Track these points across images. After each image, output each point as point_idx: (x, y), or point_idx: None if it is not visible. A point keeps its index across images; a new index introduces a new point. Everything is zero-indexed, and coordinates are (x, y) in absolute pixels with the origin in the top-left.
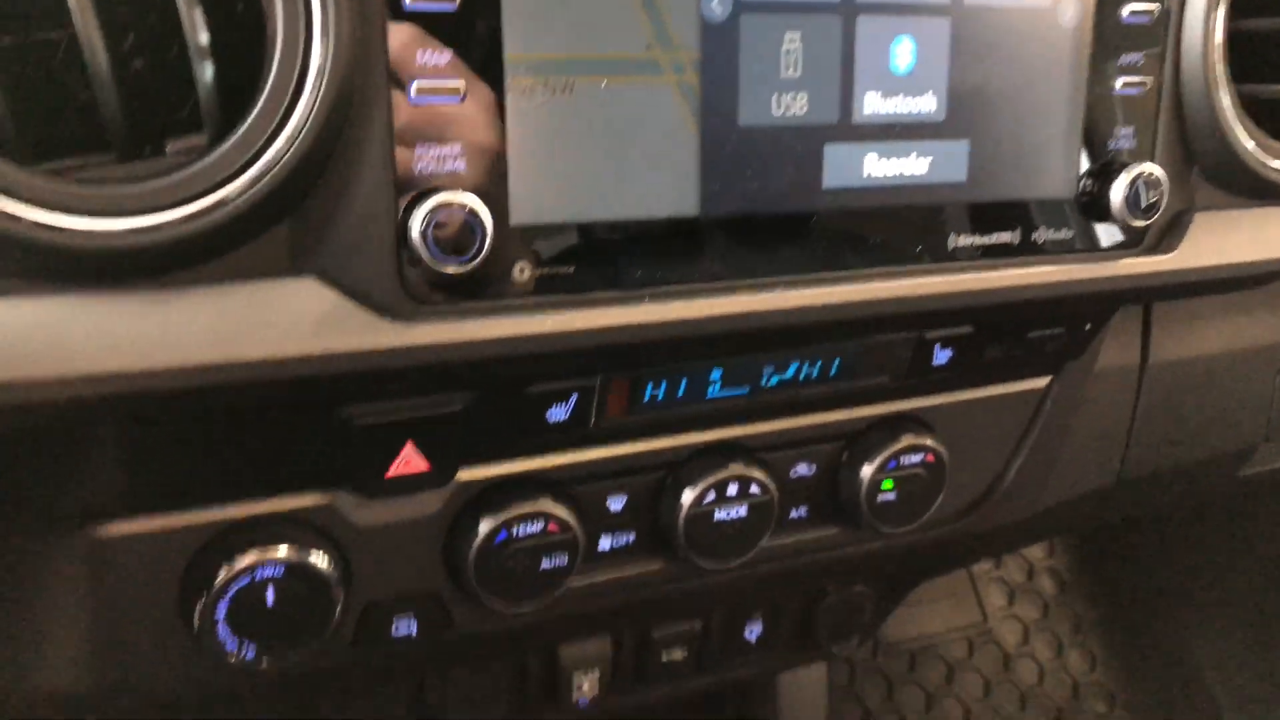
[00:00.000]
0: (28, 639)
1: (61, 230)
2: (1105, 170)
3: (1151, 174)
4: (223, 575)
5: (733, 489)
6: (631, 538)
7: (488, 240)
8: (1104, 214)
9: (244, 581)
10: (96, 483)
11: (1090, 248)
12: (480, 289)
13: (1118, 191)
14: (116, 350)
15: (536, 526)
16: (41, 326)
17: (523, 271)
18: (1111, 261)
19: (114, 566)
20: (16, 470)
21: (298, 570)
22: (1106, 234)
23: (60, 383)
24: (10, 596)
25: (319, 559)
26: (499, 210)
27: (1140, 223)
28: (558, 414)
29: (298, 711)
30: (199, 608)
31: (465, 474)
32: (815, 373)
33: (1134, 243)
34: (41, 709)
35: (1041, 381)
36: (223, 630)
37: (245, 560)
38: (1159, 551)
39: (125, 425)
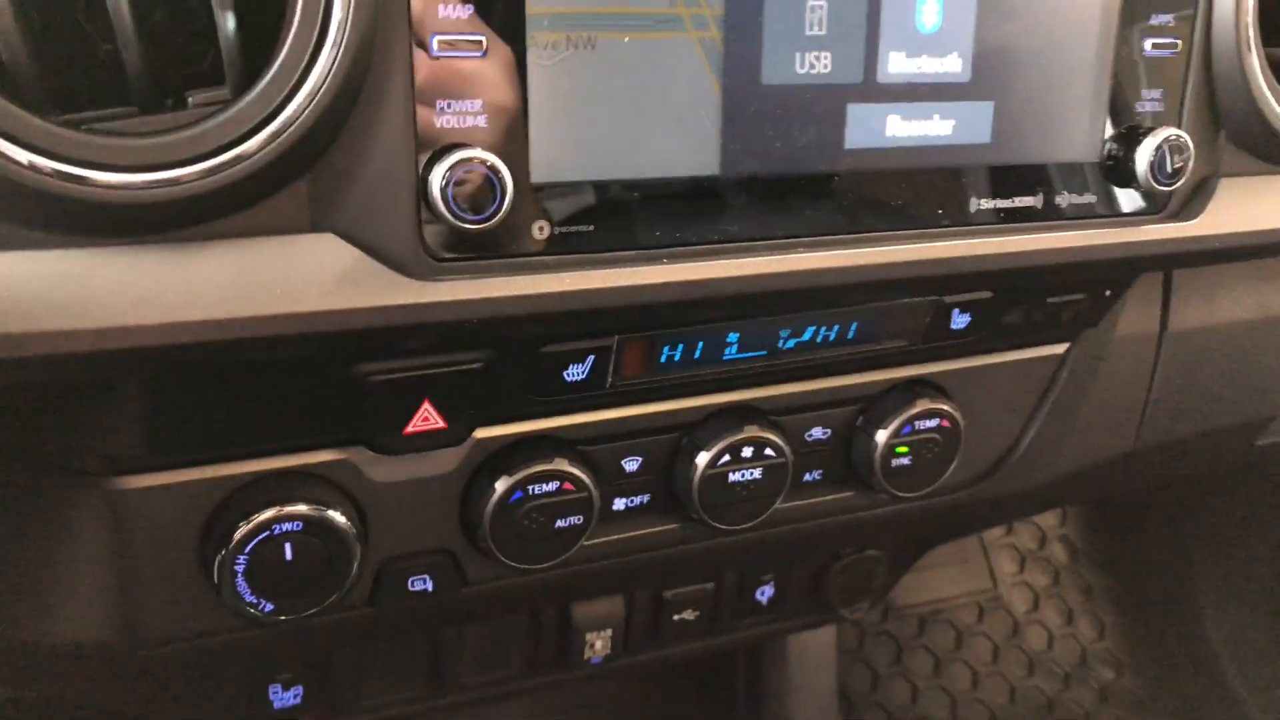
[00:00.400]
0: (54, 591)
1: (83, 182)
2: (1131, 134)
3: (1178, 138)
4: (242, 530)
5: (747, 451)
6: (646, 498)
7: (507, 198)
8: (1129, 179)
9: (263, 536)
10: (118, 436)
11: (1113, 213)
12: (499, 247)
13: (1143, 156)
14: (138, 304)
15: (552, 485)
16: (64, 279)
17: (542, 230)
18: (1135, 227)
19: (136, 519)
20: (40, 422)
21: (315, 526)
22: (1130, 199)
23: (82, 335)
24: (37, 548)
25: (336, 515)
26: (519, 168)
27: (1165, 188)
28: (575, 374)
29: (316, 666)
30: (218, 561)
31: (482, 433)
32: (833, 336)
33: (1158, 209)
34: (66, 663)
35: (1059, 348)
36: (241, 584)
37: (264, 515)
38: (1171, 521)
39: (146, 380)
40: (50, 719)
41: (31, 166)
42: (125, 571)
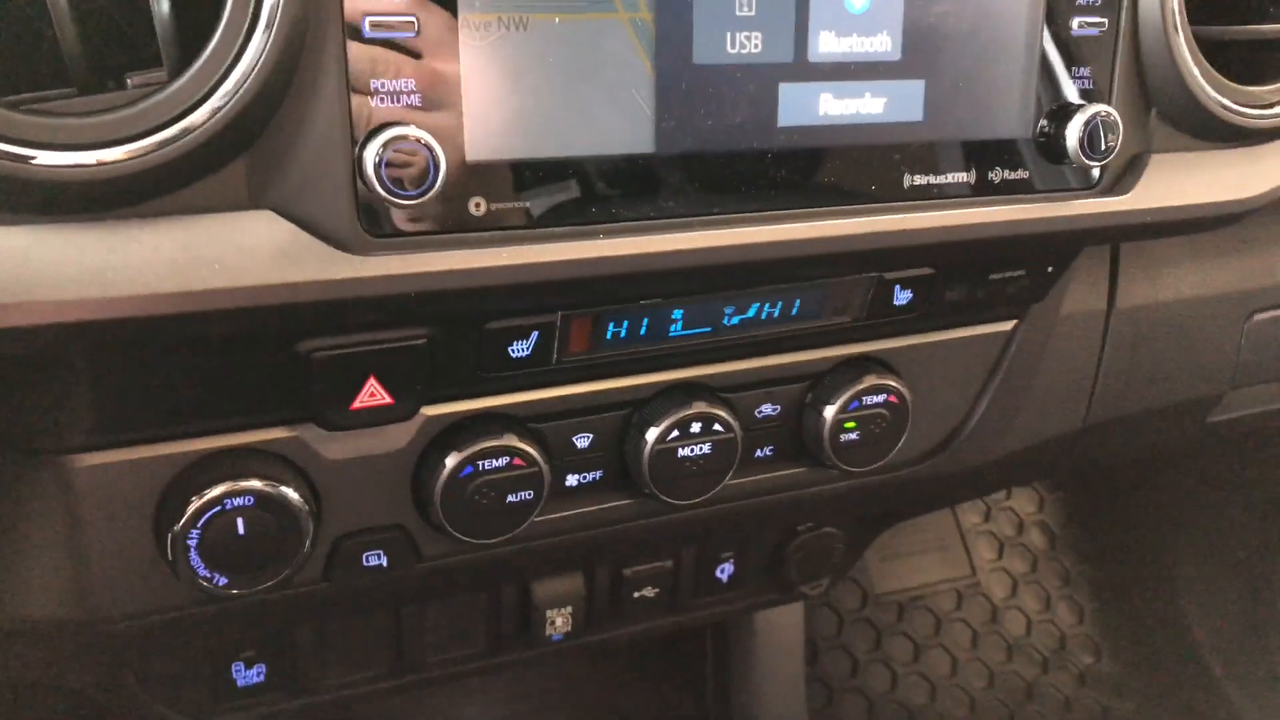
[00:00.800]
0: (10, 569)
1: (23, 161)
2: (1062, 111)
3: (1108, 115)
4: (194, 504)
5: (696, 427)
6: (599, 475)
7: (440, 175)
8: (1060, 155)
9: (214, 511)
10: (67, 414)
11: (1047, 188)
12: (436, 223)
13: (1073, 132)
14: (77, 280)
15: (501, 461)
16: (2, 256)
17: (479, 206)
18: (1067, 202)
19: (90, 496)
20: None
21: (266, 501)
22: (1063, 175)
23: (20, 310)
24: None
25: (287, 490)
26: (454, 146)
27: (1096, 164)
28: (519, 350)
29: (278, 645)
30: (171, 536)
31: (433, 410)
32: (776, 313)
33: (1090, 184)
34: (24, 643)
35: (1006, 325)
36: (195, 558)
37: (215, 490)
38: (1147, 506)
39: (93, 357)
40: (13, 705)
41: None
42: (81, 549)
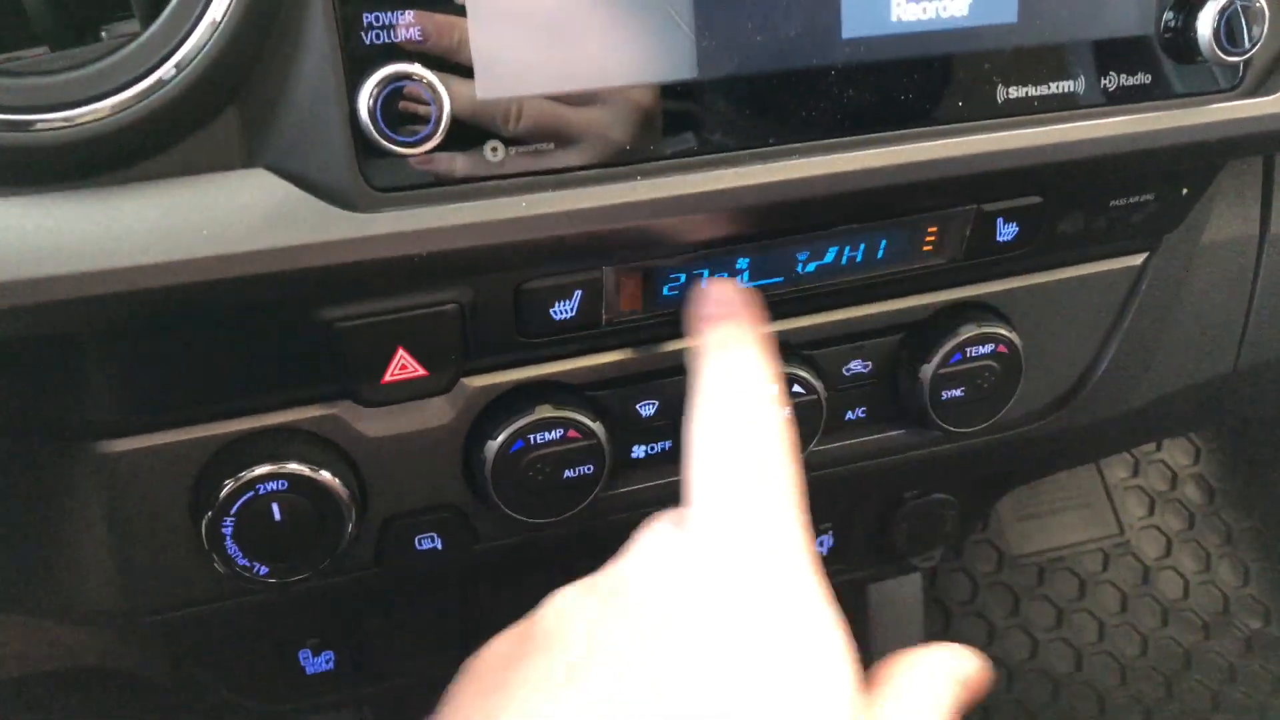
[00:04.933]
0: (60, 559)
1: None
2: None
3: (1249, 0)
4: (227, 489)
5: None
6: (668, 445)
7: (444, 117)
8: (1191, 52)
9: (248, 496)
10: (97, 399)
11: (1173, 93)
12: (448, 173)
13: (1206, 23)
14: (54, 254)
15: (555, 433)
16: None
17: (495, 151)
18: (1198, 108)
19: (124, 484)
20: (15, 387)
21: (303, 484)
22: (1196, 76)
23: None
24: (32, 516)
25: (323, 472)
26: (462, 83)
27: (1234, 59)
28: (563, 311)
29: (346, 632)
30: (205, 523)
31: (479, 380)
32: (859, 256)
33: (1230, 85)
34: (75, 634)
35: (1135, 259)
36: (232, 547)
37: (249, 474)
38: None
39: (107, 337)
40: (74, 695)
41: None
42: (119, 538)
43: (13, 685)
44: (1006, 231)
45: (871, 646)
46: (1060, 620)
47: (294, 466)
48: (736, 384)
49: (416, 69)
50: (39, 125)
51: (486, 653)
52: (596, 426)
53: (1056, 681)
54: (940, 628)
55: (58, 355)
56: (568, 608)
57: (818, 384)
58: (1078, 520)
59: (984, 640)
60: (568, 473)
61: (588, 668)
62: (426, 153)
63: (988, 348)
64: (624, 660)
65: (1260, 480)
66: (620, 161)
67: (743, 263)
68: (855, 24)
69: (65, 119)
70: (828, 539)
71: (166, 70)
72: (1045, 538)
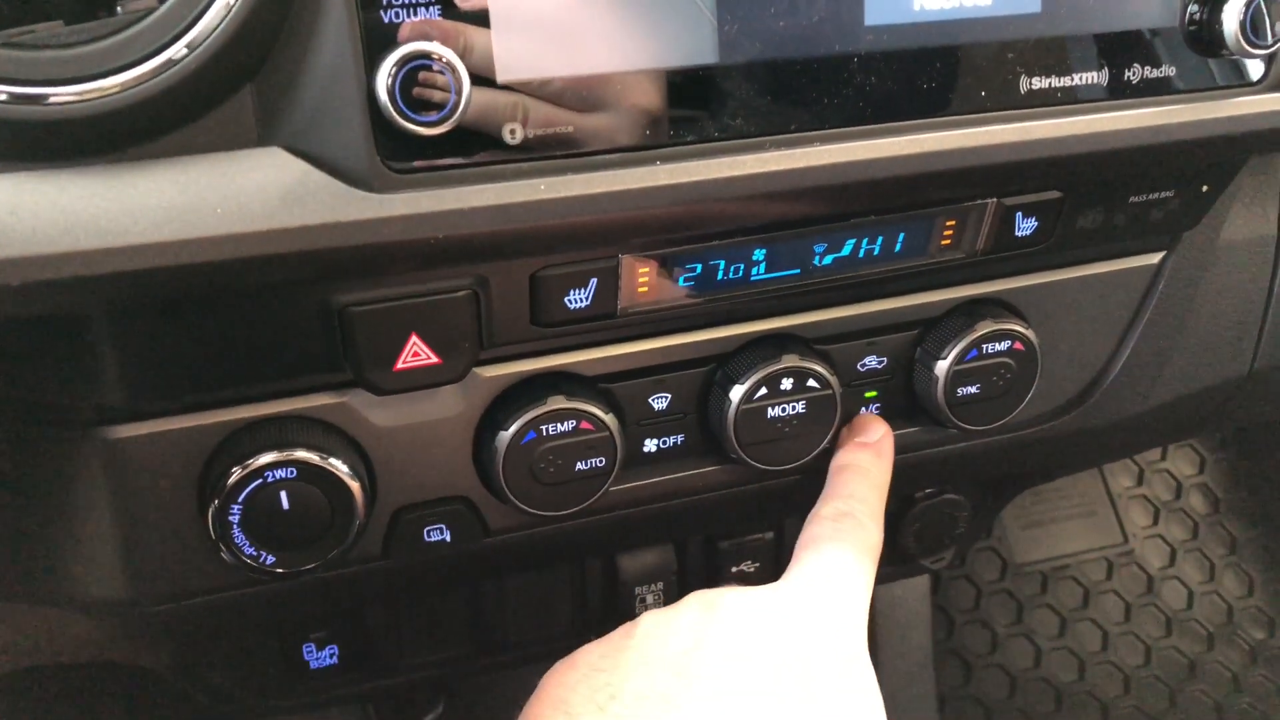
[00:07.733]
0: (65, 547)
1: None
2: None
3: None
4: (234, 477)
5: (787, 383)
6: (680, 439)
7: (464, 98)
8: (1216, 45)
9: (256, 484)
10: (103, 383)
11: (1198, 87)
12: (467, 154)
13: (1231, 16)
14: (70, 230)
15: (567, 425)
16: None
17: (514, 133)
18: (1222, 101)
19: (130, 470)
20: (23, 370)
21: (311, 473)
22: (1219, 70)
23: (12, 265)
24: (38, 503)
25: (333, 461)
26: (483, 63)
27: (1259, 53)
28: (577, 300)
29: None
30: (212, 511)
31: (488, 371)
32: (876, 249)
33: (1254, 80)
34: (80, 625)
35: (1153, 257)
36: (239, 535)
37: (256, 461)
38: None
39: (116, 319)
40: (78, 687)
41: None
42: (127, 525)
43: (14, 678)
44: (1025, 226)
45: (879, 649)
46: (1064, 629)
47: (303, 454)
48: (859, 502)
49: (436, 48)
50: (51, 99)
51: (578, 657)
52: (609, 419)
53: (1060, 690)
54: (944, 635)
55: (66, 338)
56: (665, 616)
57: (832, 379)
58: (1082, 529)
59: (987, 648)
60: (579, 465)
61: (700, 654)
62: (445, 134)
63: (1004, 344)
64: (727, 656)
65: (1264, 492)
66: (640, 146)
67: (759, 254)
68: (878, 11)
69: (77, 93)
70: None
71: (179, 49)
72: (1049, 546)
